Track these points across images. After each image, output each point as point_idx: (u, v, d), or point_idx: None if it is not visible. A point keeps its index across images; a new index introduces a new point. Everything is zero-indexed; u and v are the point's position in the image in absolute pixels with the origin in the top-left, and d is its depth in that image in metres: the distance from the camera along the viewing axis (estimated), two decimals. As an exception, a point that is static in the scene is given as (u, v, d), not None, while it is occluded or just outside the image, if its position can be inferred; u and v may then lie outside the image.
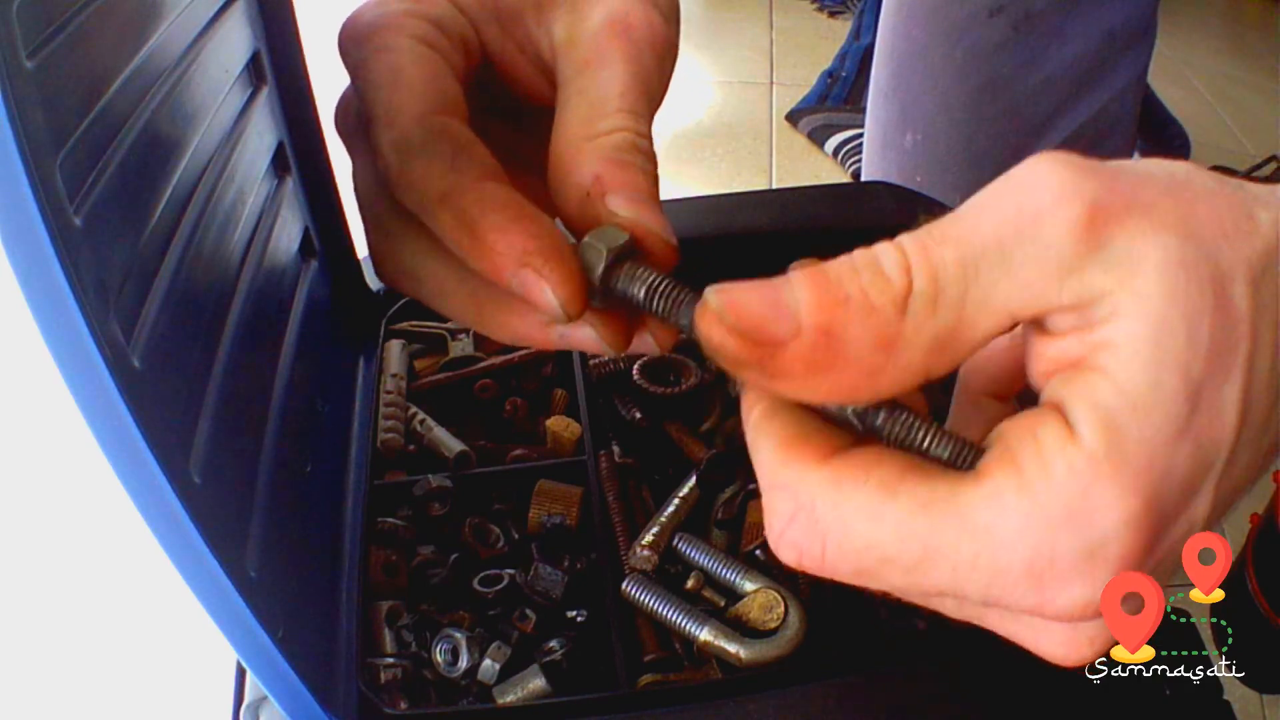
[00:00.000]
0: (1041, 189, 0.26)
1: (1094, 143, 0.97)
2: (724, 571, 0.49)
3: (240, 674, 0.45)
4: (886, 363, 0.26)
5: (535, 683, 0.46)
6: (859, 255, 0.27)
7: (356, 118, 0.37)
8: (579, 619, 0.48)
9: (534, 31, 0.39)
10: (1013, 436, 0.26)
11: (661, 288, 0.30)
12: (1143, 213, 0.25)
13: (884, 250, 0.27)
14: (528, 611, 0.48)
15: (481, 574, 0.50)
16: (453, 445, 0.56)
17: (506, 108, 0.42)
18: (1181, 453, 0.25)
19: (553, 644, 0.47)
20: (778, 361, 0.26)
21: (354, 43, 0.37)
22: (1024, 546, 0.25)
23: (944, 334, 0.26)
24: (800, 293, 0.26)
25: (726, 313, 0.26)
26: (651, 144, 0.36)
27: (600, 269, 0.31)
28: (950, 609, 0.29)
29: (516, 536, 0.53)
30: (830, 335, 0.26)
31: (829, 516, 0.27)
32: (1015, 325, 0.27)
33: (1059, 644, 0.28)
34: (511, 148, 0.39)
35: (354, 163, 0.39)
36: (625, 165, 0.34)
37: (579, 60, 0.37)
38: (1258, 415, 0.26)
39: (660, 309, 0.30)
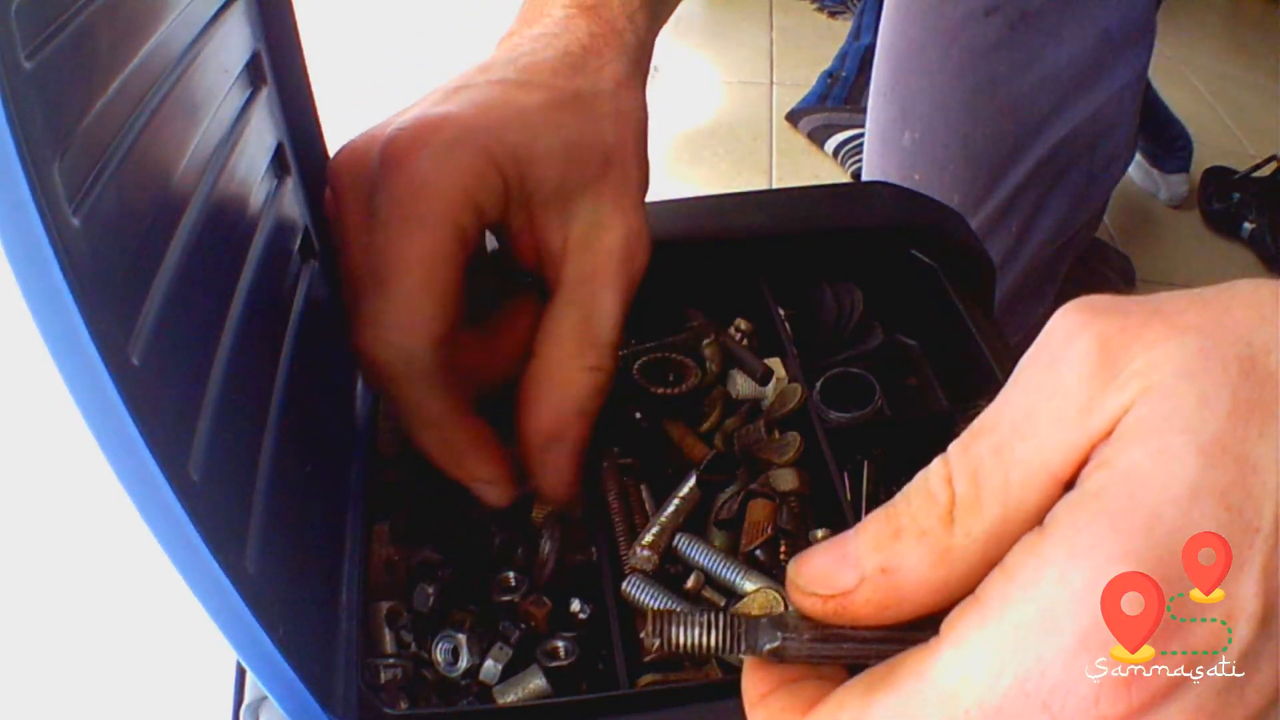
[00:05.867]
0: (1056, 340, 0.25)
1: (1092, 144, 0.97)
2: (724, 571, 0.49)
3: (240, 674, 0.45)
4: (948, 574, 0.26)
5: (536, 683, 0.46)
6: (915, 480, 0.27)
7: (368, 194, 0.42)
8: (582, 615, 0.48)
9: (552, 224, 0.44)
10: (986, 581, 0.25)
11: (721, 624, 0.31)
12: (1162, 323, 0.24)
13: (933, 467, 0.27)
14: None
15: (483, 574, 0.50)
16: (452, 445, 0.56)
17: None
18: (1198, 509, 0.23)
19: (554, 643, 0.47)
20: (851, 608, 0.27)
21: (397, 170, 0.42)
22: (1003, 683, 0.23)
23: (995, 525, 0.25)
24: (862, 537, 0.27)
25: (800, 579, 0.28)
26: (612, 375, 0.46)
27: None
28: None
29: (516, 537, 0.52)
30: (888, 572, 0.26)
31: None
32: (1066, 482, 0.25)
33: None
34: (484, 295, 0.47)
35: (347, 238, 0.44)
36: (583, 416, 0.45)
37: (587, 270, 0.44)
38: None
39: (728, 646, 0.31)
